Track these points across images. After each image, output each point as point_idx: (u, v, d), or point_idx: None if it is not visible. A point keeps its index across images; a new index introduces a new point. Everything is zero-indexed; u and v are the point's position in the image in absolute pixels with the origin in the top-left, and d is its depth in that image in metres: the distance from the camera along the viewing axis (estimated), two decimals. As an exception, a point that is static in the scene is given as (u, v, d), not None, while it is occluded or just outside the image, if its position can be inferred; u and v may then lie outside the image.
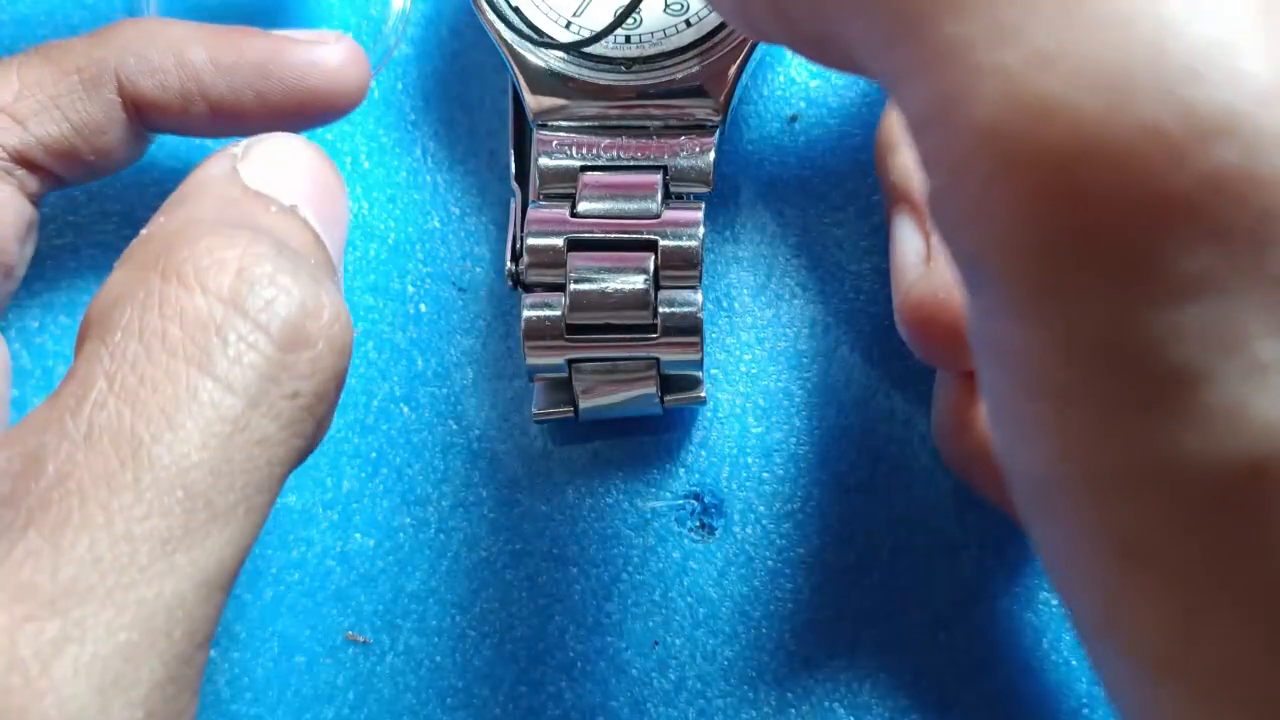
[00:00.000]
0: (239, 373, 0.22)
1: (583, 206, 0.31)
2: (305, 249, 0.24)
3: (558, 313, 0.31)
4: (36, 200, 0.31)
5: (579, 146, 0.32)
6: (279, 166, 0.25)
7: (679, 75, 0.32)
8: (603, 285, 0.31)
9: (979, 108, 0.18)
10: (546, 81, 0.32)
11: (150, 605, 0.21)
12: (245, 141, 0.25)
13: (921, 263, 0.30)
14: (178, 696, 0.21)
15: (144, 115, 0.31)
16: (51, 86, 0.30)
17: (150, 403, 0.21)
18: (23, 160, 0.30)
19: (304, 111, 0.31)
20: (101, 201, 0.35)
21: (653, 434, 0.34)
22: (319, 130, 0.35)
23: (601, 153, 0.32)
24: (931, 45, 0.19)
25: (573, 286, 0.31)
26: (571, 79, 0.32)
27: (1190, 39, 0.18)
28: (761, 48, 0.33)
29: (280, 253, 0.23)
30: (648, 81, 0.32)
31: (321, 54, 0.31)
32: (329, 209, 0.25)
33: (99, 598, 0.20)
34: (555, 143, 0.32)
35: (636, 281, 0.31)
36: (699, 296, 0.31)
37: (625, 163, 0.32)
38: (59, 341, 0.34)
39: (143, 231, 0.24)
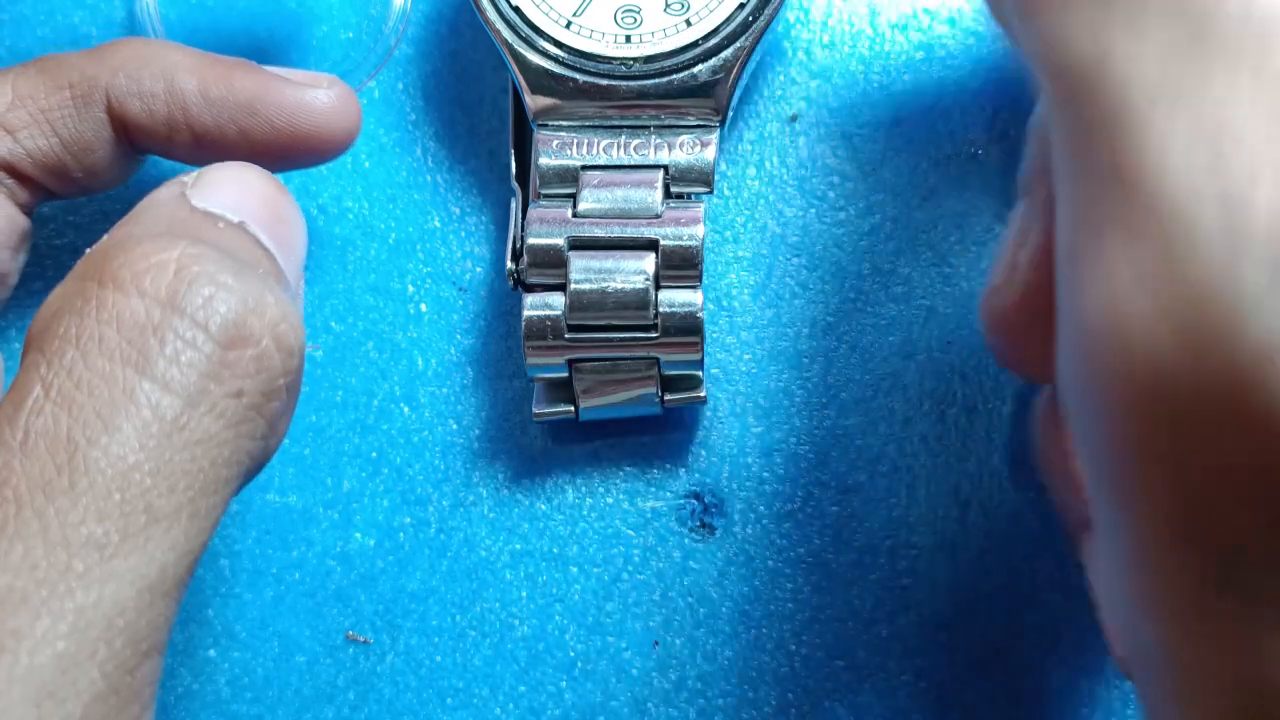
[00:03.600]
0: (177, 372, 0.21)
1: (583, 206, 0.31)
2: (252, 259, 0.24)
3: (558, 312, 0.31)
4: (28, 210, 0.31)
5: (579, 146, 0.32)
6: (229, 189, 0.25)
7: (679, 75, 0.32)
8: (603, 285, 0.31)
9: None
10: (546, 81, 0.32)
11: (88, 613, 0.20)
12: (198, 170, 0.25)
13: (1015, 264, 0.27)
14: (122, 708, 0.21)
15: (131, 136, 0.31)
16: (44, 100, 0.30)
17: (87, 406, 0.21)
18: (12, 171, 0.30)
19: (288, 153, 0.31)
20: (101, 201, 0.35)
21: (653, 434, 0.34)
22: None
23: (601, 152, 0.32)
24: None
25: (573, 286, 0.31)
26: (571, 79, 0.32)
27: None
28: (761, 47, 0.33)
29: (222, 255, 0.23)
30: (648, 81, 0.32)
31: (312, 98, 0.30)
32: (283, 232, 0.25)
33: (34, 607, 0.20)
34: (555, 142, 0.32)
35: (637, 281, 0.31)
36: (699, 296, 0.31)
37: (625, 162, 0.32)
38: (59, 341, 0.34)
39: (87, 250, 0.23)
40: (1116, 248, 0.18)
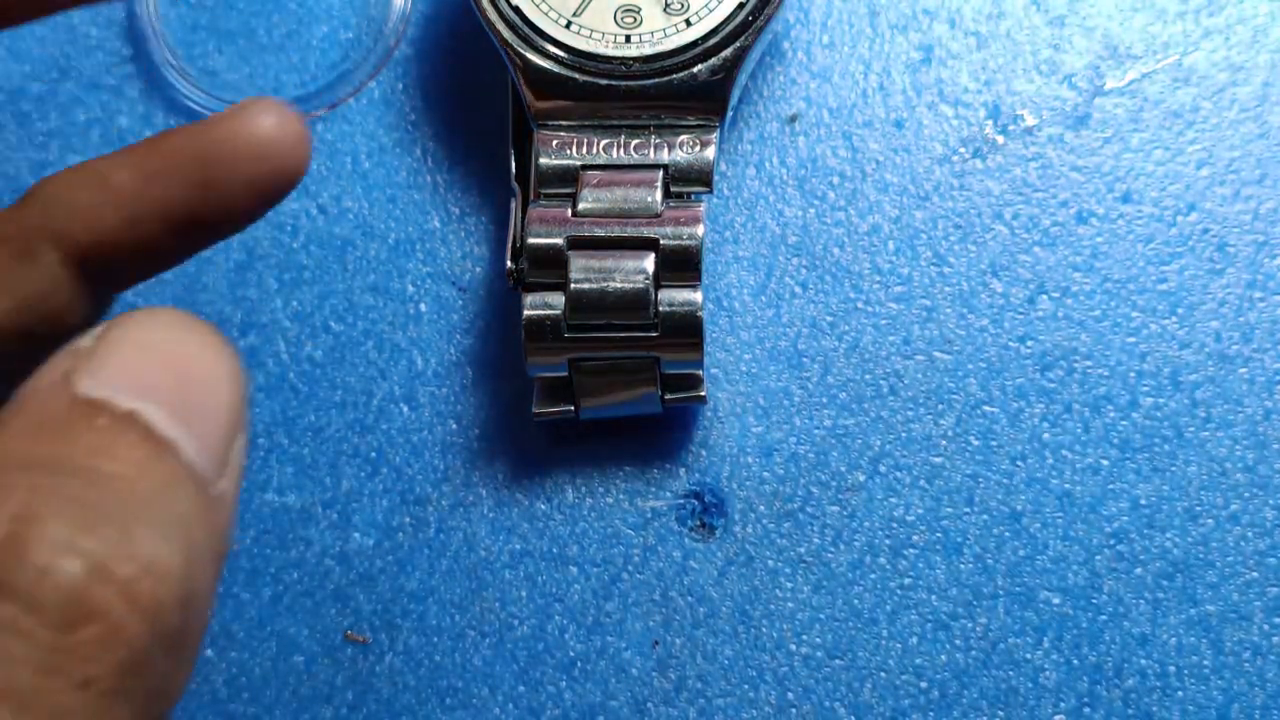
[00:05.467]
0: (5, 672, 0.17)
1: (583, 205, 0.31)
2: (126, 471, 0.19)
3: (558, 312, 0.31)
4: None
5: (579, 146, 0.32)
6: (129, 356, 0.20)
7: (679, 75, 0.32)
8: (603, 285, 0.31)
9: None
10: (546, 81, 0.32)
11: None
12: (98, 329, 0.21)
13: None
14: None
15: (94, 265, 0.27)
16: None
17: None
18: None
19: (260, 187, 0.26)
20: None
21: (653, 434, 0.34)
22: (319, 131, 0.35)
23: (601, 152, 0.32)
24: None
25: (573, 286, 0.31)
26: (571, 79, 0.32)
27: None
28: (761, 47, 0.33)
29: (70, 501, 0.18)
30: (648, 81, 0.32)
31: (252, 119, 0.26)
32: (197, 401, 0.21)
33: None
34: (555, 142, 0.32)
35: (637, 281, 0.31)
36: (699, 296, 0.31)
37: (625, 162, 0.32)
38: (58, 341, 0.34)
39: None
40: None
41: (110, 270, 0.27)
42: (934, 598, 0.33)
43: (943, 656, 0.32)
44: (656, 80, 0.32)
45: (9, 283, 0.27)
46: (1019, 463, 0.33)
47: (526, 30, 0.33)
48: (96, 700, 0.18)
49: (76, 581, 0.18)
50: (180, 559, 0.19)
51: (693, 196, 0.32)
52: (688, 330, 0.31)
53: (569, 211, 0.31)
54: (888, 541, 0.33)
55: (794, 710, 0.32)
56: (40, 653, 0.18)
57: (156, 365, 0.20)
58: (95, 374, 0.20)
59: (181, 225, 0.27)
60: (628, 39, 0.33)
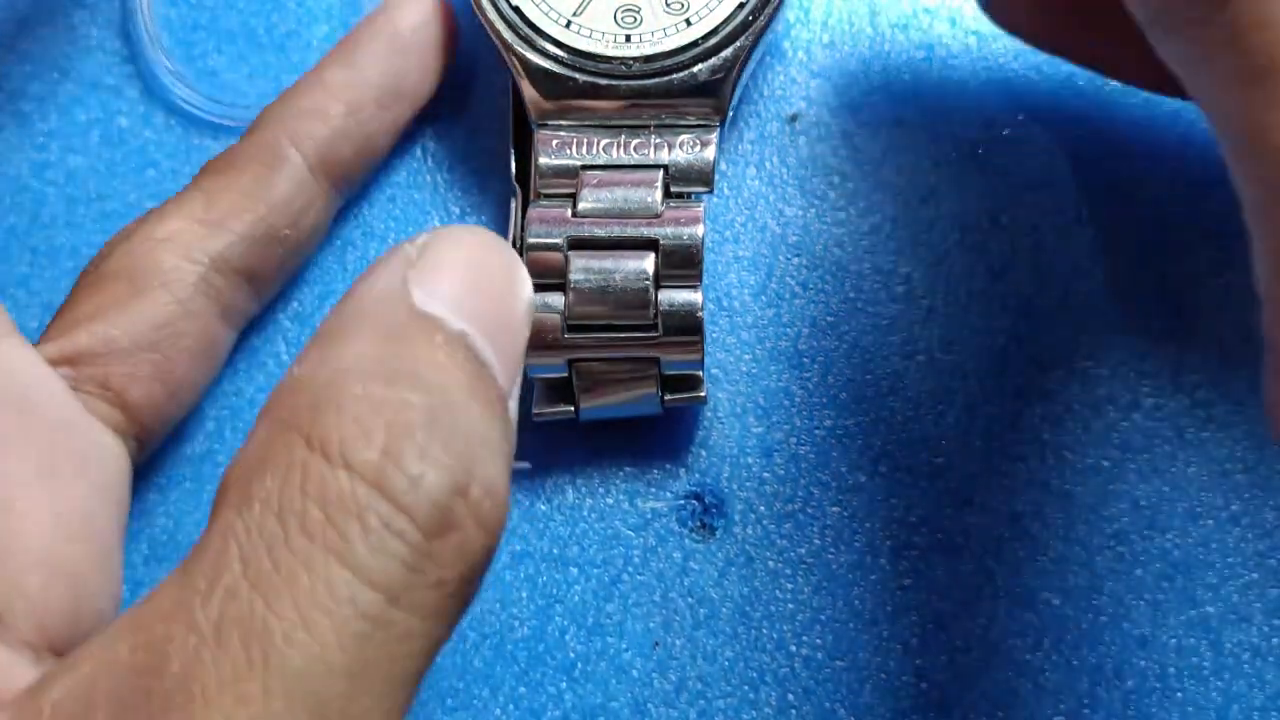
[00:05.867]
0: (379, 563, 0.20)
1: (583, 206, 0.31)
2: (465, 397, 0.21)
3: (558, 312, 0.31)
4: (234, 320, 0.32)
5: (579, 145, 0.32)
6: (456, 274, 0.22)
7: (679, 75, 0.32)
8: (603, 284, 0.31)
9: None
10: (546, 81, 0.32)
11: None
12: (421, 239, 0.22)
13: None
14: None
15: (329, 156, 0.32)
16: (237, 184, 0.31)
17: (284, 596, 0.19)
18: (225, 267, 0.31)
19: (443, 42, 0.34)
20: (114, 221, 0.35)
21: (653, 434, 0.34)
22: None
23: (601, 152, 0.32)
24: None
25: (573, 286, 0.31)
26: (571, 79, 0.32)
27: None
28: (761, 47, 0.33)
29: (433, 418, 0.20)
30: (648, 81, 0.32)
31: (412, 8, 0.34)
32: (505, 327, 0.22)
33: None
34: (555, 142, 0.32)
35: (637, 281, 0.31)
36: (699, 296, 0.31)
37: (625, 162, 0.32)
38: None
39: (294, 371, 0.21)
40: None
41: (341, 165, 0.33)
42: (934, 598, 0.33)
43: (943, 657, 0.32)
44: (656, 80, 0.32)
45: (265, 190, 0.32)
46: (1019, 463, 0.33)
47: (526, 30, 0.33)
48: (443, 600, 0.20)
49: (442, 494, 0.20)
50: (507, 484, 0.22)
51: (693, 196, 0.32)
52: (688, 330, 0.31)
53: (569, 211, 0.31)
54: (888, 542, 0.33)
55: (794, 711, 0.32)
56: (409, 552, 0.20)
57: (478, 288, 0.22)
58: (428, 288, 0.22)
59: (388, 98, 0.33)
60: (628, 39, 0.33)
